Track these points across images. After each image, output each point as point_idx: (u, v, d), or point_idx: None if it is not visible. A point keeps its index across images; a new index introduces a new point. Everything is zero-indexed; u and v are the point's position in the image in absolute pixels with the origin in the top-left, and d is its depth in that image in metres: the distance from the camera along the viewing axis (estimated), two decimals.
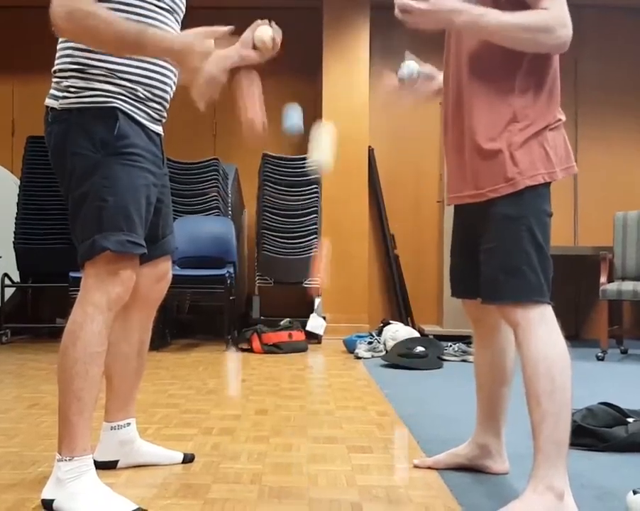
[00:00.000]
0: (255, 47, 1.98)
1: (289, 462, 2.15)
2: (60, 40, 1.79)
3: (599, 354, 4.71)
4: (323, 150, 1.91)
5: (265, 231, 5.53)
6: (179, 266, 4.90)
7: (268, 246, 5.50)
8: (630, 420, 2.39)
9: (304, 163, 5.64)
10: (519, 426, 2.02)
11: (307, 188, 5.60)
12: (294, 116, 2.04)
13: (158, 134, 1.91)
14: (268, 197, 5.58)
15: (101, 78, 1.74)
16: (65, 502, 1.66)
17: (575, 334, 5.89)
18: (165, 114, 1.92)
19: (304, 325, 5.23)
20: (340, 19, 5.86)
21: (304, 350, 4.97)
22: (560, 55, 1.73)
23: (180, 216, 5.29)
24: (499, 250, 1.71)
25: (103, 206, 1.71)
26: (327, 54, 5.87)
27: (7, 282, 5.40)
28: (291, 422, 2.71)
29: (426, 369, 4.17)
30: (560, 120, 1.75)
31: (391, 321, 5.11)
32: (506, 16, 1.64)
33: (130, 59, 1.76)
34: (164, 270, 2.04)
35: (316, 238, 5.56)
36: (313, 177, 5.50)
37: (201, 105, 1.82)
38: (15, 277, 5.47)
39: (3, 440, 2.39)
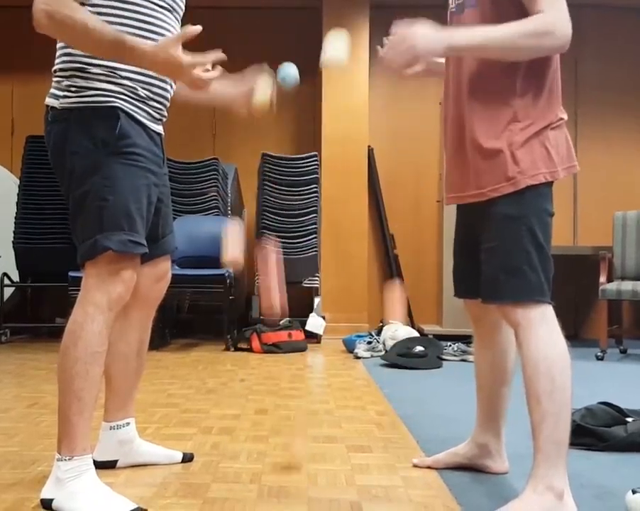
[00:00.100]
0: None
1: (289, 461, 2.15)
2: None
3: (599, 354, 4.71)
4: (336, 48, 1.90)
5: (265, 231, 5.53)
6: (178, 266, 4.90)
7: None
8: (629, 420, 2.39)
9: (303, 163, 5.65)
10: (519, 426, 2.02)
11: (307, 188, 5.60)
12: (290, 67, 2.04)
13: (159, 133, 1.91)
14: (268, 197, 5.58)
15: (102, 77, 1.74)
16: (65, 502, 1.67)
17: (574, 334, 5.90)
18: (166, 113, 1.92)
19: (303, 324, 5.23)
20: (339, 19, 5.85)
21: (303, 349, 4.97)
22: (560, 54, 1.73)
23: (180, 215, 5.29)
24: (499, 249, 1.71)
25: (104, 205, 1.71)
26: None
27: (6, 281, 5.40)
28: (291, 422, 2.71)
29: (426, 369, 4.17)
30: (561, 119, 1.74)
31: (390, 321, 5.11)
32: (502, 29, 1.62)
33: None
34: (164, 270, 2.04)
35: (315, 237, 5.56)
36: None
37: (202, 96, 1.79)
38: (15, 276, 5.47)
39: (2, 439, 2.39)
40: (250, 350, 4.88)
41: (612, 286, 4.82)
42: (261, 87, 1.99)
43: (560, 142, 1.73)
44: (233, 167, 5.91)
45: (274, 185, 5.60)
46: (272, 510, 1.72)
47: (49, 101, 1.78)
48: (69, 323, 1.72)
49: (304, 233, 5.54)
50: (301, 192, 5.59)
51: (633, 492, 1.64)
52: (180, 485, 1.90)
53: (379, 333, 4.94)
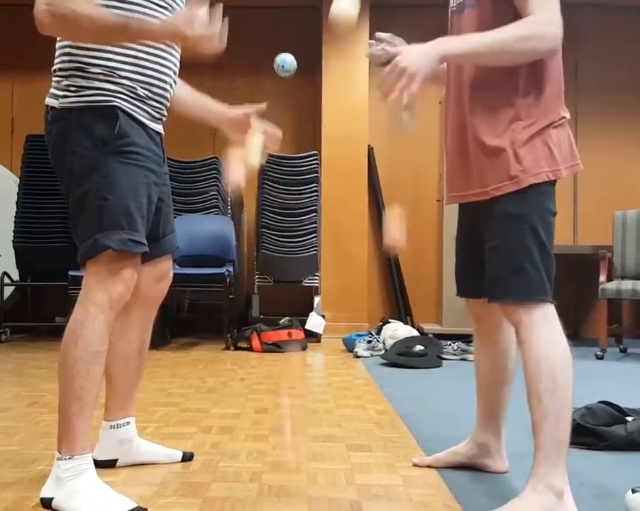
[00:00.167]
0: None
1: (289, 460, 2.15)
2: (59, 38, 1.78)
3: (599, 353, 4.71)
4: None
5: (265, 230, 5.53)
6: (178, 265, 4.90)
7: (267, 245, 5.50)
8: (629, 419, 2.40)
9: (303, 162, 5.65)
10: (519, 425, 2.02)
11: (307, 187, 5.60)
12: (286, 56, 2.04)
13: (159, 133, 1.91)
14: (267, 196, 5.58)
15: (101, 77, 1.73)
16: (65, 501, 1.67)
17: (574, 333, 5.89)
18: (165, 113, 1.92)
19: (303, 324, 5.23)
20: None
21: (303, 349, 4.97)
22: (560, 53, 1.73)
23: (180, 214, 5.29)
24: (502, 248, 1.71)
25: (103, 205, 1.71)
26: (327, 53, 5.87)
27: (6, 280, 5.40)
28: (291, 421, 2.71)
29: (426, 368, 4.17)
30: (564, 117, 1.74)
31: (390, 320, 5.11)
32: (494, 35, 1.62)
33: (129, 57, 1.76)
34: (165, 269, 2.04)
35: (315, 237, 5.56)
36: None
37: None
38: (15, 275, 5.47)
39: (2, 438, 2.39)
40: (250, 349, 4.88)
41: (612, 285, 4.82)
42: (254, 146, 1.97)
43: (562, 140, 1.73)
44: None
45: (274, 184, 5.60)
46: (272, 509, 1.73)
47: (48, 101, 1.78)
48: (70, 322, 1.72)
49: (304, 232, 5.54)
50: (301, 192, 5.59)
51: (633, 491, 1.64)
52: (180, 484, 1.91)
53: (379, 332, 4.94)
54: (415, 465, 2.10)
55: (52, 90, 1.78)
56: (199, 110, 2.16)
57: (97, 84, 1.73)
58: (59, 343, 1.73)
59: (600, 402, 2.48)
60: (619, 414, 2.42)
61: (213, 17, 1.65)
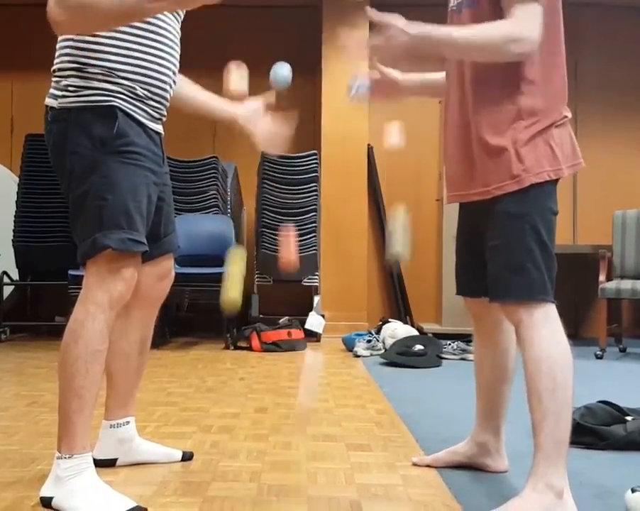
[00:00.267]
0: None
1: (288, 460, 2.15)
2: (59, 39, 1.78)
3: (598, 352, 4.71)
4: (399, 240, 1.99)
5: (264, 229, 5.53)
6: (178, 264, 4.88)
7: (267, 244, 5.50)
8: (629, 418, 2.40)
9: (303, 161, 5.64)
10: (519, 425, 2.03)
11: (306, 186, 5.59)
12: (282, 68, 2.05)
13: (158, 133, 1.91)
14: (267, 195, 5.58)
15: (100, 77, 1.73)
16: (64, 500, 1.67)
17: (574, 333, 5.89)
18: (165, 113, 1.92)
19: (303, 323, 5.23)
20: (340, 18, 5.85)
21: (303, 348, 4.97)
22: None
23: (179, 214, 5.28)
24: (503, 247, 1.71)
25: (103, 204, 1.71)
26: (326, 52, 5.87)
27: (6, 280, 5.40)
28: (291, 420, 2.71)
29: (425, 367, 4.17)
30: (565, 117, 1.74)
31: (390, 320, 5.12)
32: (473, 29, 1.64)
33: (129, 57, 1.76)
34: (167, 269, 2.04)
35: (315, 236, 5.56)
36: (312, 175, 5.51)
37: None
38: (15, 275, 5.47)
39: (2, 438, 2.39)
40: (249, 348, 4.88)
41: (612, 285, 4.82)
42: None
43: (564, 140, 1.73)
44: (232, 166, 5.90)
45: (273, 184, 5.59)
46: (271, 509, 1.73)
47: (48, 101, 1.78)
48: (70, 321, 1.72)
49: (303, 231, 5.54)
50: (301, 191, 5.59)
51: (633, 490, 1.64)
52: (180, 484, 1.91)
53: (378, 331, 4.94)
54: (414, 464, 2.10)
55: (51, 90, 1.78)
56: (208, 109, 2.17)
57: (96, 84, 1.73)
58: (59, 343, 1.73)
59: (600, 402, 2.48)
60: (618, 413, 2.42)
61: None
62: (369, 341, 4.75)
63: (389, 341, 4.65)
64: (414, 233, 6.59)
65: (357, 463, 2.12)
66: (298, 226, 5.51)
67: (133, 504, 1.67)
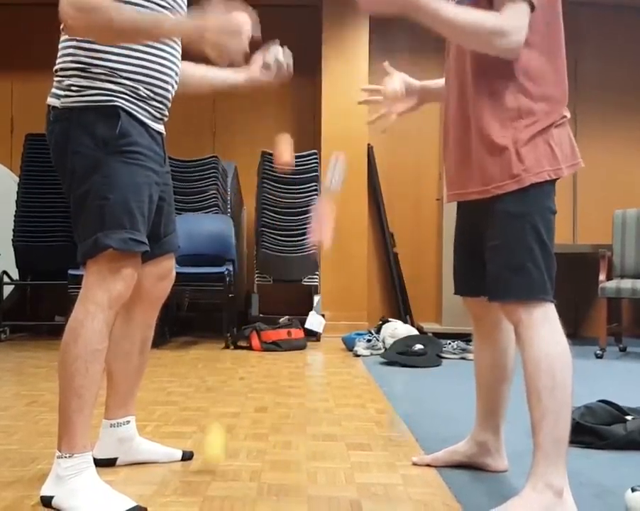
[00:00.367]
0: (266, 67, 1.99)
1: (288, 459, 2.15)
2: (62, 39, 1.78)
3: (598, 352, 4.71)
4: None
5: (264, 229, 5.53)
6: (178, 264, 4.88)
7: (267, 244, 5.50)
8: (628, 418, 2.40)
9: (303, 161, 5.64)
10: (518, 425, 2.03)
11: (306, 186, 5.59)
12: (337, 174, 2.14)
13: (160, 133, 1.91)
14: (267, 195, 5.58)
15: (103, 77, 1.73)
16: (65, 499, 1.67)
17: (573, 332, 5.89)
18: (167, 113, 1.92)
19: (303, 323, 5.23)
20: (339, 17, 5.85)
21: (302, 347, 4.97)
22: None
23: (179, 213, 5.28)
24: (503, 247, 1.71)
25: (104, 204, 1.71)
26: (326, 52, 5.87)
27: (6, 279, 5.40)
28: (291, 420, 2.71)
29: (425, 367, 4.17)
30: (565, 117, 1.75)
31: (390, 319, 5.11)
32: (462, 11, 1.64)
33: (131, 58, 1.76)
34: (168, 268, 2.04)
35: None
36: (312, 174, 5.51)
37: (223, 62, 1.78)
38: (15, 274, 5.46)
39: (2, 437, 2.39)
40: (249, 348, 4.88)
41: (612, 284, 4.82)
42: (275, 49, 2.00)
43: (563, 140, 1.73)
44: (232, 165, 5.90)
45: (273, 183, 5.59)
46: (271, 508, 1.73)
47: (50, 100, 1.78)
48: (70, 320, 1.73)
49: (303, 231, 5.53)
50: (301, 190, 5.59)
51: (633, 490, 1.64)
52: (180, 484, 1.91)
53: (378, 331, 4.94)
54: (414, 464, 2.10)
55: (53, 90, 1.78)
56: (209, 82, 2.17)
57: (99, 84, 1.73)
58: (58, 342, 1.74)
59: (600, 401, 2.48)
60: (618, 413, 2.42)
61: (249, 21, 1.68)
62: (369, 341, 4.75)
63: (389, 341, 4.65)
64: (414, 233, 6.59)
65: (357, 463, 2.12)
66: (298, 225, 5.51)
67: (133, 504, 1.67)
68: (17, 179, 5.52)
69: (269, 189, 5.58)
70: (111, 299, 1.73)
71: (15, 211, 5.36)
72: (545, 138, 1.70)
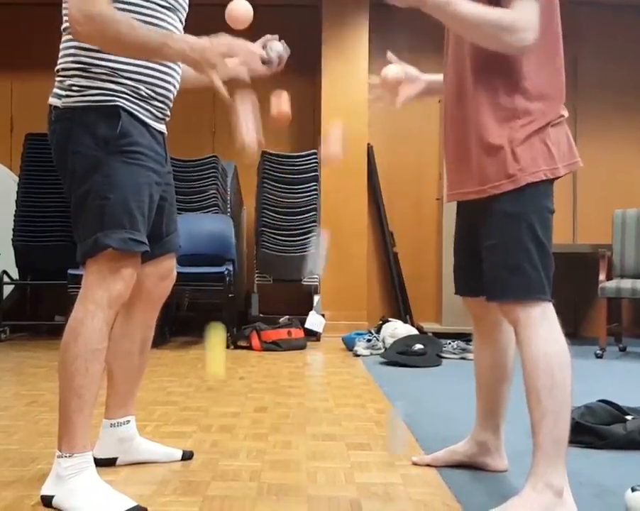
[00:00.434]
0: (263, 61, 1.98)
1: (288, 459, 2.15)
2: (63, 39, 1.78)
3: (598, 352, 4.71)
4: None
5: (264, 229, 5.53)
6: (178, 264, 4.89)
7: (267, 244, 5.50)
8: (628, 418, 2.40)
9: (303, 160, 5.65)
10: (518, 424, 2.03)
11: (306, 185, 5.59)
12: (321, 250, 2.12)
13: (161, 133, 1.91)
14: (267, 195, 5.58)
15: (104, 77, 1.74)
16: (65, 499, 1.67)
17: (573, 332, 5.89)
18: (168, 113, 1.92)
19: (303, 322, 5.23)
20: (339, 17, 5.85)
21: (302, 347, 4.97)
22: None
23: (179, 213, 5.22)
24: (499, 247, 1.71)
25: (104, 204, 1.72)
26: (326, 51, 5.87)
27: (6, 279, 5.40)
28: (290, 420, 2.71)
29: (425, 366, 4.17)
30: (562, 116, 1.74)
31: (390, 319, 5.11)
32: (473, 7, 1.63)
33: (132, 58, 1.76)
34: (169, 268, 2.04)
35: (315, 235, 5.56)
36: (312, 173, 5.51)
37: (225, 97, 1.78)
38: (14, 274, 5.46)
39: (2, 437, 2.39)
40: (249, 348, 4.88)
41: (612, 284, 4.82)
42: (274, 44, 1.97)
43: (561, 139, 1.73)
44: (232, 165, 5.90)
45: (273, 183, 5.59)
46: (271, 508, 1.73)
47: (52, 100, 1.78)
48: (70, 320, 1.73)
49: (303, 230, 5.53)
50: (301, 190, 5.59)
51: (633, 490, 1.64)
52: (180, 483, 1.91)
53: (378, 331, 4.94)
54: (414, 463, 2.10)
55: (55, 90, 1.78)
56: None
57: (100, 83, 1.73)
58: (58, 342, 1.74)
59: (599, 401, 2.48)
60: (618, 412, 2.42)
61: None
62: (369, 341, 4.75)
63: (389, 341, 4.65)
64: (414, 232, 6.59)
65: (357, 463, 2.12)
66: (298, 225, 5.51)
67: (133, 504, 1.67)
68: (17, 178, 5.52)
69: (269, 188, 5.58)
70: (111, 298, 1.73)
71: (15, 211, 5.36)
72: (542, 137, 1.69)
